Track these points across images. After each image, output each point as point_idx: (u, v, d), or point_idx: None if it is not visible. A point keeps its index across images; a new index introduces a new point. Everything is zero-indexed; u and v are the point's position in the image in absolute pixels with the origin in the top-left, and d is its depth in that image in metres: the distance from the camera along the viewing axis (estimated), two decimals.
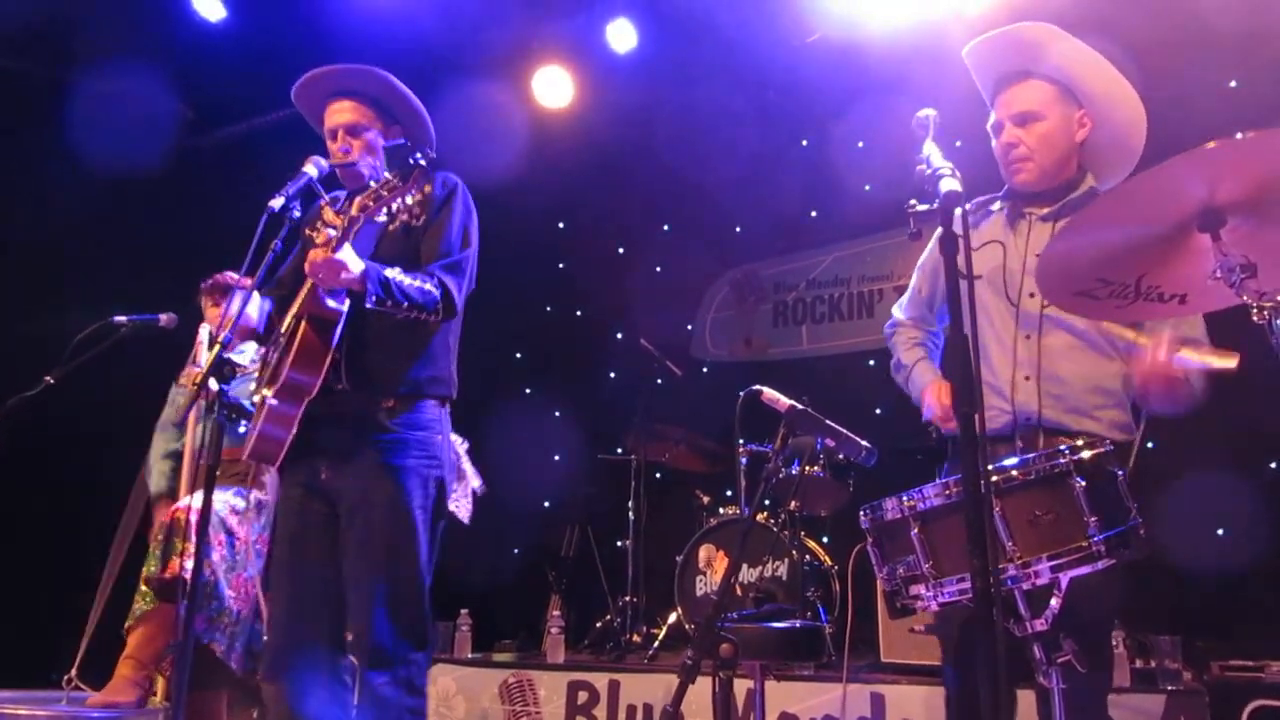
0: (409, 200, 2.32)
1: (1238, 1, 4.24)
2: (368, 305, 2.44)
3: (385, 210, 2.32)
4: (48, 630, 3.80)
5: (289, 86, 2.84)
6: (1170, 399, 2.21)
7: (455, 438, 2.83)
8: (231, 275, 4.02)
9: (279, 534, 2.70)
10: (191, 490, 3.59)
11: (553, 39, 5.77)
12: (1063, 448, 1.96)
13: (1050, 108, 2.46)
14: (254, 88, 5.54)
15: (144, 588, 3.37)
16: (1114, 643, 3.22)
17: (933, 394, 2.54)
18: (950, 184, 1.77)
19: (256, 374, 2.78)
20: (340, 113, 2.76)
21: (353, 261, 2.39)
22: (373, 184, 2.39)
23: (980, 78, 2.61)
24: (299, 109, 2.89)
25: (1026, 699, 2.34)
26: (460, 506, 2.92)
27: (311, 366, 2.48)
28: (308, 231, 2.79)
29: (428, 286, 2.54)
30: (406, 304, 2.49)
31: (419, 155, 2.27)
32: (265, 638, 3.27)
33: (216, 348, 2.20)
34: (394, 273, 2.48)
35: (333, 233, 2.42)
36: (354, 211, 2.35)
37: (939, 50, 2.61)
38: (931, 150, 1.88)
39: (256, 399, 2.62)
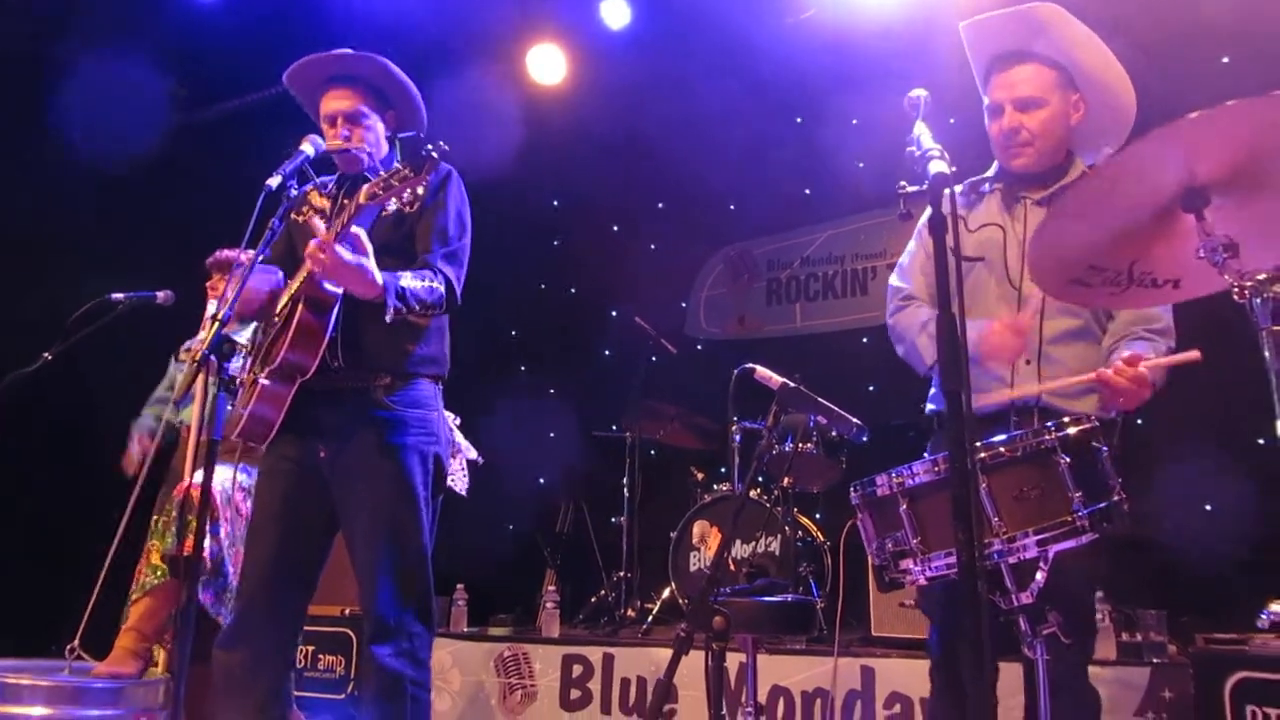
0: (420, 191, 2.32)
1: None
2: (386, 318, 2.45)
3: (395, 200, 2.32)
4: (49, 601, 3.83)
5: (282, 64, 2.81)
6: (1139, 400, 2.23)
7: (447, 414, 2.86)
8: (229, 251, 4.03)
9: (261, 503, 2.67)
10: (199, 467, 3.61)
11: (546, 16, 5.75)
12: (1049, 424, 2.00)
13: (1052, 93, 2.47)
14: (247, 65, 5.52)
15: (155, 561, 3.40)
16: (1100, 616, 3.27)
17: (995, 331, 2.38)
18: (939, 166, 1.77)
19: (248, 351, 2.79)
20: (340, 99, 2.74)
21: (375, 273, 2.41)
22: (382, 172, 2.39)
23: (975, 53, 2.59)
24: (292, 92, 2.86)
25: (1012, 671, 2.39)
26: (457, 479, 2.95)
27: (309, 348, 2.50)
28: (294, 215, 2.78)
29: (434, 284, 2.57)
30: (419, 308, 2.53)
31: (431, 148, 2.27)
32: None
33: (215, 325, 2.21)
34: (407, 280, 2.50)
35: (324, 223, 2.43)
36: (362, 199, 2.35)
37: (933, 27, 2.62)
38: (922, 131, 1.88)
39: (245, 378, 2.64)
